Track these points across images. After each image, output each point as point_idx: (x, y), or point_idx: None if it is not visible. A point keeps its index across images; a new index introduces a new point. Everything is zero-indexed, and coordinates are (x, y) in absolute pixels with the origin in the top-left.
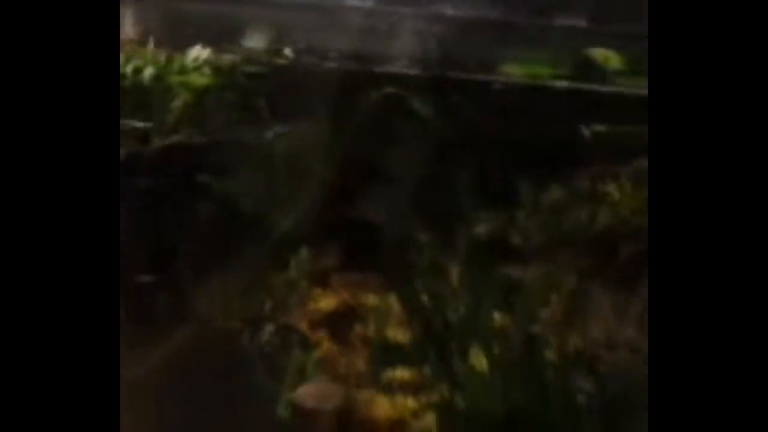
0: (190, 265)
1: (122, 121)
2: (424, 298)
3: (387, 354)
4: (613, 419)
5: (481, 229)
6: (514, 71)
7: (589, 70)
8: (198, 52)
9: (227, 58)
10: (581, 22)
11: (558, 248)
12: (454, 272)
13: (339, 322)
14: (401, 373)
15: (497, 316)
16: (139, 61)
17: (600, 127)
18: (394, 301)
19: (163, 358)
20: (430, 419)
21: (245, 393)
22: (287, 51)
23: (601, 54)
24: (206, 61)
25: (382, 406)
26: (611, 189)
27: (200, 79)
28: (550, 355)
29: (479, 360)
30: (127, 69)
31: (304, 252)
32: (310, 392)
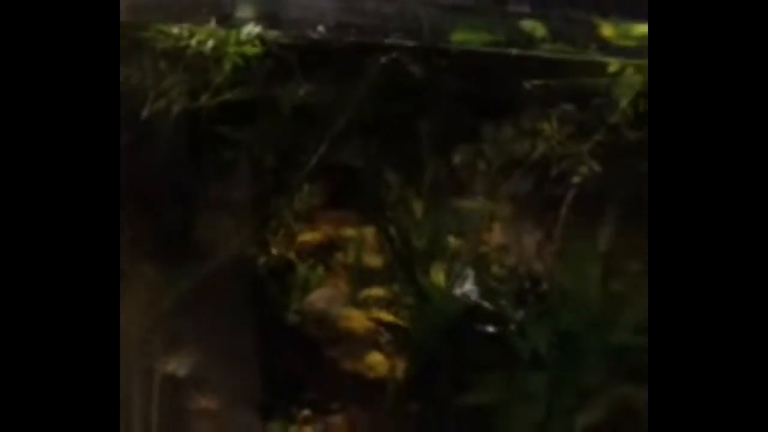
0: (212, 204)
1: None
2: (393, 229)
3: (363, 276)
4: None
5: (456, 159)
6: (465, 38)
7: (520, 37)
8: (251, 28)
9: (272, 33)
10: (525, 8)
11: (510, 172)
12: (418, 206)
13: (323, 252)
14: (375, 292)
15: (453, 240)
16: (201, 35)
17: (536, 82)
18: (368, 233)
19: (191, 284)
20: (399, 327)
21: (261, 306)
22: (320, 27)
23: (529, 24)
24: (257, 35)
25: (359, 320)
26: (545, 127)
27: (252, 50)
28: (494, 269)
29: (439, 276)
30: (192, 41)
31: (306, 188)
32: (320, 297)
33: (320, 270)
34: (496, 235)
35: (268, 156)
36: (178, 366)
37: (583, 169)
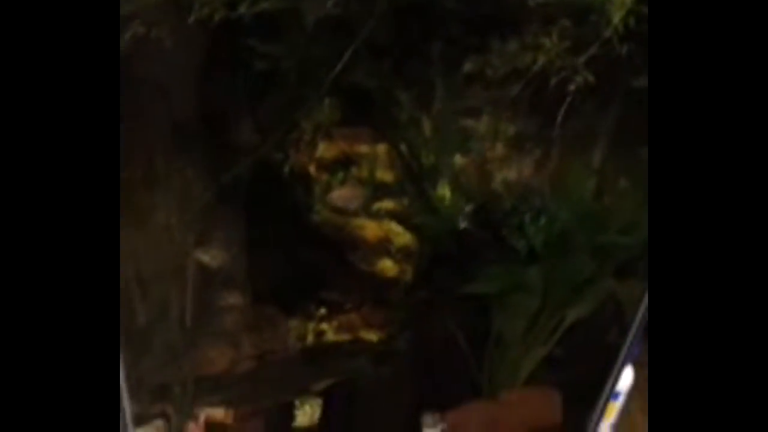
0: (242, 111)
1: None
2: (405, 146)
3: (376, 190)
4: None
5: (468, 66)
6: None
7: None
8: None
9: None
10: None
11: (514, 82)
12: (428, 125)
13: (339, 167)
14: (387, 204)
15: (459, 158)
16: None
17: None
18: (381, 150)
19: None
20: (408, 237)
21: (285, 208)
22: None
23: None
24: None
25: (372, 230)
26: (546, 41)
27: None
28: (496, 185)
29: (445, 191)
30: None
31: (326, 102)
32: (339, 195)
33: (340, 174)
34: (499, 152)
35: (293, 70)
36: (211, 258)
37: (579, 79)
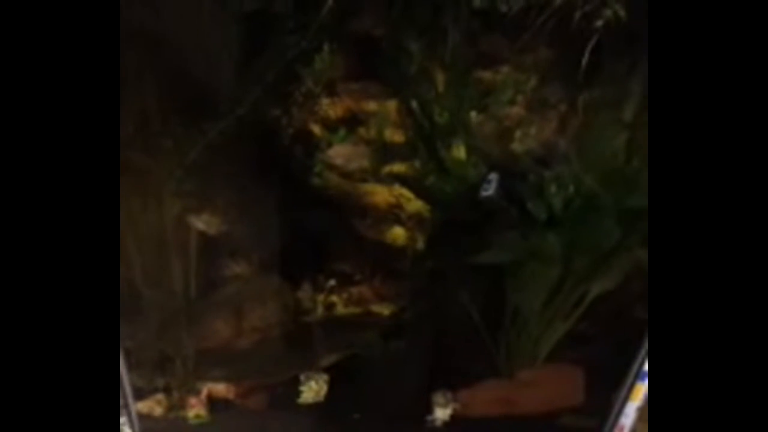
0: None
1: None
2: (415, 103)
3: (385, 152)
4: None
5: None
6: None
7: None
8: None
9: None
10: None
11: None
12: (440, 78)
13: (345, 126)
14: (397, 167)
15: (475, 115)
16: None
17: None
18: (391, 107)
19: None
20: (420, 203)
21: (285, 169)
22: None
23: None
24: None
25: (382, 195)
26: None
27: None
28: (516, 146)
29: (460, 152)
30: None
31: (326, 50)
32: (338, 152)
33: (342, 131)
34: (520, 108)
35: (289, 17)
36: (205, 224)
37: (608, 13)
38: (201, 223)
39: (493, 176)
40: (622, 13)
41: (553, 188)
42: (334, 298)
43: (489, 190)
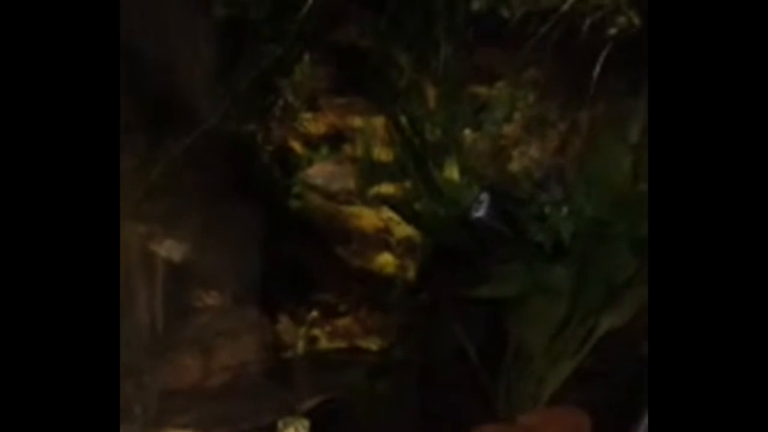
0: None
1: None
2: (405, 119)
3: (373, 171)
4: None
5: (477, 4)
6: None
7: None
8: None
9: None
10: None
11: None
12: (432, 93)
13: (329, 144)
14: (385, 188)
15: (468, 133)
16: None
17: None
18: (378, 124)
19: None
20: (410, 227)
21: (262, 190)
22: None
23: None
24: None
25: (369, 218)
26: None
27: None
28: (513, 165)
29: (453, 172)
30: None
31: (306, 60)
32: (319, 171)
33: (324, 149)
34: (517, 126)
35: (265, 23)
36: (171, 249)
37: (622, 20)
38: (164, 250)
39: (484, 196)
40: (636, 20)
41: (559, 215)
42: (316, 331)
43: (479, 211)
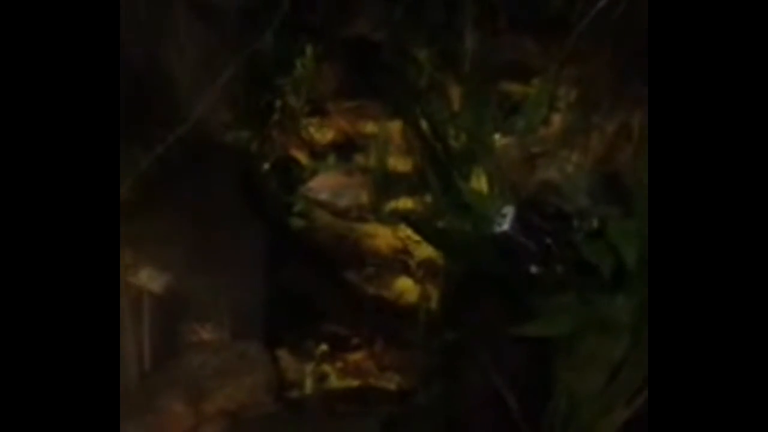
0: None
1: None
2: (425, 123)
3: (389, 184)
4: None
5: None
6: None
7: None
8: None
9: None
10: None
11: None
12: (456, 93)
13: (338, 153)
14: (404, 203)
15: (498, 137)
16: None
17: None
18: (394, 129)
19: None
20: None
21: (269, 209)
22: None
23: None
24: None
25: (385, 237)
26: None
27: None
28: (553, 173)
29: (482, 183)
30: None
31: (309, 53)
32: (322, 184)
33: (331, 158)
34: (557, 128)
35: (259, 14)
36: (149, 279)
37: None
38: (140, 279)
39: (508, 209)
40: None
41: (619, 235)
42: (326, 367)
43: (503, 225)
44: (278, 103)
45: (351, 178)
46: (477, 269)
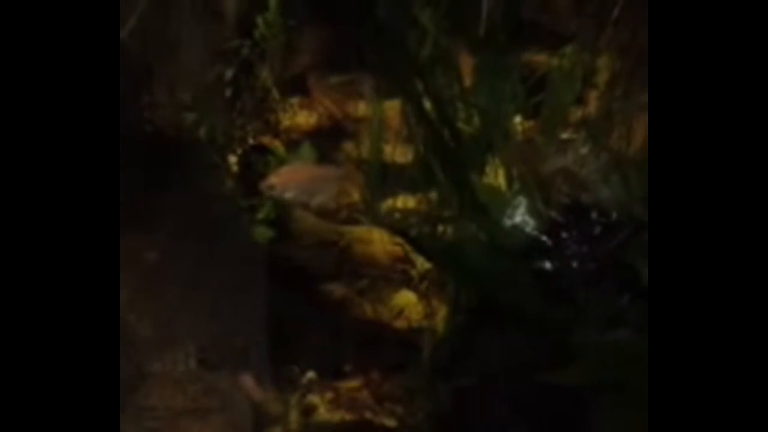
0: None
1: None
2: (430, 102)
3: (385, 178)
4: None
5: None
6: None
7: None
8: None
9: None
10: None
11: None
12: (467, 65)
13: (323, 141)
14: (404, 201)
15: (520, 121)
16: None
17: None
18: (391, 110)
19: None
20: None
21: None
22: None
23: None
24: None
25: (382, 243)
26: None
27: None
28: (585, 165)
29: (498, 176)
30: None
31: (272, 6)
32: (285, 175)
33: (306, 146)
34: (591, 107)
35: None
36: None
37: None
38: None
39: (520, 200)
40: None
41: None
42: (313, 398)
43: (515, 218)
44: (242, 78)
45: (328, 169)
46: (493, 296)
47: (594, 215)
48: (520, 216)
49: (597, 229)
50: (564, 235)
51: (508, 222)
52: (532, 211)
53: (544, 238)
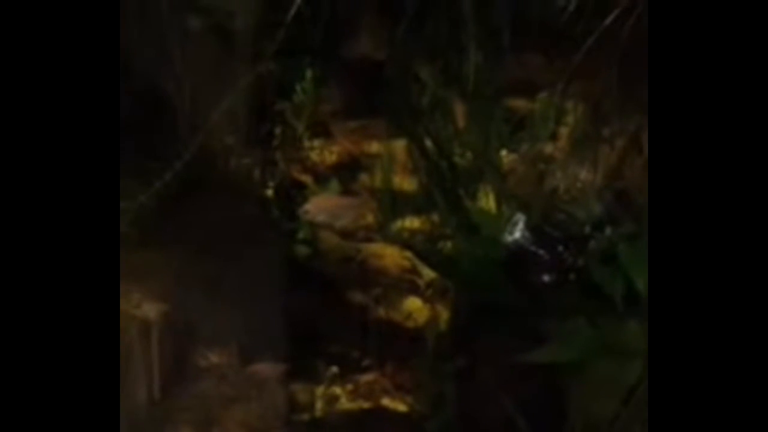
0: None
1: None
2: (430, 141)
3: (395, 203)
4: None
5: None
6: None
7: None
8: None
9: None
10: None
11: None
12: (461, 110)
13: (343, 174)
14: (410, 222)
15: (506, 154)
16: None
17: None
18: (399, 148)
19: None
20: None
21: (264, 236)
22: None
23: None
24: None
25: (393, 257)
26: None
27: None
28: (564, 192)
29: (489, 200)
30: None
31: (308, 77)
32: (319, 205)
33: (334, 182)
34: (564, 144)
35: (265, 39)
36: (150, 309)
37: None
38: (146, 310)
39: (519, 217)
40: None
41: (630, 255)
42: (336, 389)
43: (514, 234)
44: (279, 128)
45: (349, 199)
46: (485, 298)
47: (569, 229)
48: (519, 232)
49: (565, 243)
50: (541, 248)
51: (508, 237)
52: (522, 227)
53: (526, 249)
